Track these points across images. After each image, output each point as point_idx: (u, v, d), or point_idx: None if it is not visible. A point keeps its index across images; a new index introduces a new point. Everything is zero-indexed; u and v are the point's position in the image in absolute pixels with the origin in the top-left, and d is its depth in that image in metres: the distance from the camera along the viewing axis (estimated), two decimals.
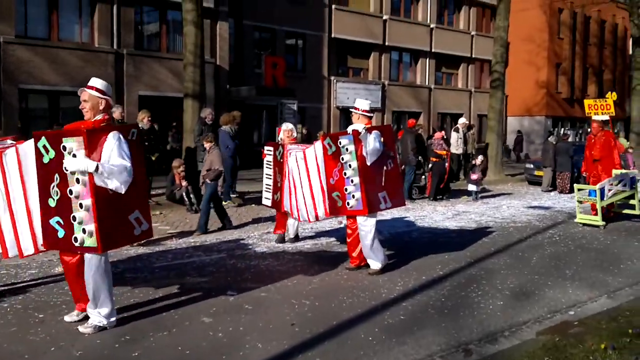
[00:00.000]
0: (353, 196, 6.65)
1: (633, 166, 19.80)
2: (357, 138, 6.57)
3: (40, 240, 4.85)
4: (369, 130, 6.67)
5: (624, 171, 11.14)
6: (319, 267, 7.21)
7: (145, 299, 5.72)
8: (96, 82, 4.94)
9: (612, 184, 10.69)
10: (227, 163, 12.18)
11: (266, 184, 8.32)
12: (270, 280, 6.54)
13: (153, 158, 11.50)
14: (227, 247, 8.32)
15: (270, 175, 8.13)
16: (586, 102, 15.05)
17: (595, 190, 10.44)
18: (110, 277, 4.75)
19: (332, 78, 26.59)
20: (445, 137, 16.21)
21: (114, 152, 4.45)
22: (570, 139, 31.35)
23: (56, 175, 4.51)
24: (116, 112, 10.96)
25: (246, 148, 23.17)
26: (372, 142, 6.57)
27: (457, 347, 4.80)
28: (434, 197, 14.50)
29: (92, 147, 4.41)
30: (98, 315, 4.68)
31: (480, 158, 15.23)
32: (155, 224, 9.95)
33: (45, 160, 4.60)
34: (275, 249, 8.27)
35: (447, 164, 14.88)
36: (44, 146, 4.60)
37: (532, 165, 18.88)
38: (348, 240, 7.16)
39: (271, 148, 8.16)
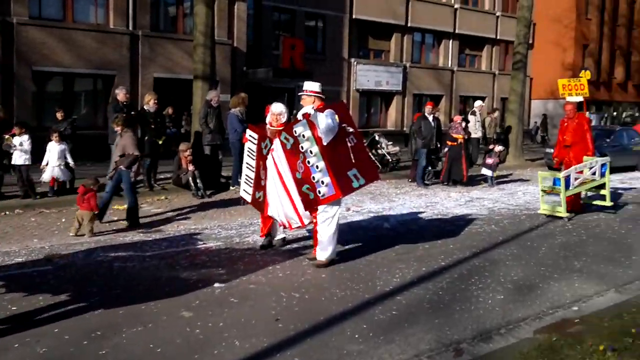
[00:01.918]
0: (322, 182, 6.20)
1: None
2: (310, 121, 6.19)
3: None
4: (320, 110, 6.24)
5: (594, 158, 10.30)
6: None
7: (127, 291, 5.56)
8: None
9: (579, 172, 9.92)
10: (236, 147, 12.00)
11: (246, 176, 7.25)
12: (263, 271, 6.33)
13: (160, 142, 11.37)
14: (226, 235, 8.13)
15: (252, 166, 7.09)
16: (560, 82, 14.18)
17: (560, 179, 9.66)
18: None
19: (353, 60, 26.13)
20: (466, 120, 15.81)
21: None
22: (594, 123, 30.65)
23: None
24: (120, 94, 10.84)
25: None
26: (323, 120, 6.10)
27: (448, 345, 4.55)
28: (449, 182, 14.15)
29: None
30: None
31: (499, 147, 14.81)
32: (159, 209, 9.90)
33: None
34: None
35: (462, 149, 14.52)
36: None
37: (551, 150, 18.26)
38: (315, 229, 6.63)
39: (255, 136, 7.02)
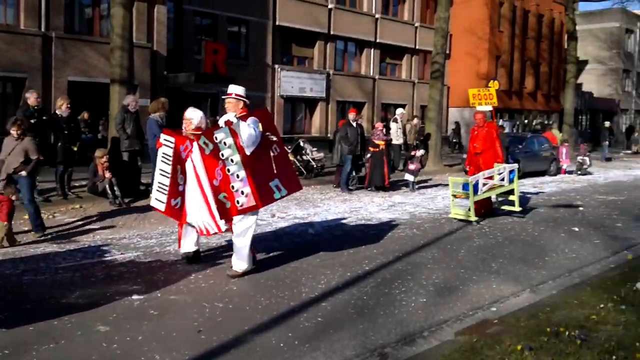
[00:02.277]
0: (242, 192, 6.08)
1: (567, 158, 20.32)
2: (232, 129, 6.06)
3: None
4: (242, 118, 6.11)
5: (503, 165, 10.54)
6: None
7: (38, 305, 5.24)
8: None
9: (488, 178, 10.13)
10: (155, 153, 11.63)
11: (160, 183, 6.61)
12: (184, 281, 6.15)
13: (74, 148, 10.87)
14: (146, 244, 7.85)
15: (167, 172, 6.50)
16: (470, 91, 14.61)
17: (468, 184, 9.87)
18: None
19: (277, 66, 26.11)
20: (387, 127, 16.11)
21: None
22: (506, 131, 32.00)
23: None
24: (31, 98, 10.29)
25: None
26: (245, 130, 5.98)
27: (372, 350, 4.57)
28: (374, 187, 14.34)
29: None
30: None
31: (421, 152, 15.18)
32: (73, 218, 9.44)
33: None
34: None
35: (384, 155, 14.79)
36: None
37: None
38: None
39: (172, 139, 6.51)
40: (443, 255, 7.65)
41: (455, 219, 10.17)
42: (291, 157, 16.84)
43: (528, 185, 16.55)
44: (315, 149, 17.90)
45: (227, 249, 7.58)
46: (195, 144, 6.34)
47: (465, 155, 19.47)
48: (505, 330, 4.74)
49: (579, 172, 20.01)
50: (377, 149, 14.57)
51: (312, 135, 26.80)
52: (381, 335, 4.85)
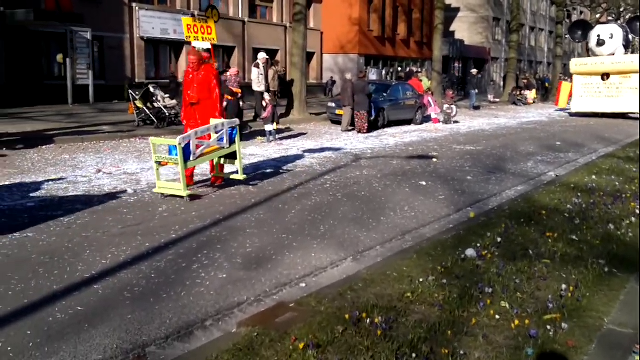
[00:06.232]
0: None
1: (435, 106, 20.19)
2: None
3: None
4: None
5: (222, 120, 8.10)
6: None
7: None
8: None
9: (201, 138, 7.73)
10: None
11: None
12: None
13: None
14: None
15: None
16: (184, 20, 12.18)
17: (176, 146, 7.22)
18: None
19: (135, 5, 23.87)
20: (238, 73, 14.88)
21: None
22: (375, 77, 31.80)
23: None
24: None
25: (32, 81, 20.13)
26: None
27: (129, 351, 3.58)
28: None
29: None
30: None
31: (267, 96, 14.12)
32: None
33: None
34: None
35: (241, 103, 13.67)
36: None
37: (333, 105, 18.27)
38: None
39: None
40: (270, 217, 6.76)
41: (160, 193, 7.51)
42: (140, 105, 15.26)
43: (388, 134, 16.17)
44: (167, 95, 16.40)
45: None
46: None
47: (331, 104, 18.85)
48: (299, 319, 3.89)
49: (444, 121, 19.95)
50: (234, 98, 13.40)
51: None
52: (151, 329, 3.87)
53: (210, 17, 12.89)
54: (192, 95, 8.20)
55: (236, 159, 8.31)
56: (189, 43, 13.36)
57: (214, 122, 8.01)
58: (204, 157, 7.77)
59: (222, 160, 8.46)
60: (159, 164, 7.48)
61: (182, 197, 7.34)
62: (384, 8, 36.47)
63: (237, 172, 8.42)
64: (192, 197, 7.47)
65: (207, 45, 12.02)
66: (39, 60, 21.19)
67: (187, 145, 7.29)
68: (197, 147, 7.52)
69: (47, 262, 4.99)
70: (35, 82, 20.53)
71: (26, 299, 4.25)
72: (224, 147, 8.04)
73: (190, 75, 8.26)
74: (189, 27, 11.97)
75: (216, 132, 7.91)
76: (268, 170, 9.84)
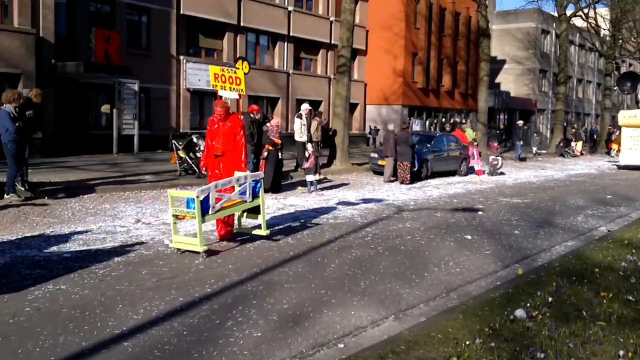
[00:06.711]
0: None
1: (479, 159, 19.79)
2: None
3: None
4: None
5: (245, 173, 7.78)
6: None
7: None
8: None
9: (222, 191, 7.38)
10: (9, 149, 10.15)
11: None
12: None
13: None
14: None
15: None
16: (211, 69, 11.89)
17: (194, 199, 6.84)
18: None
19: (182, 58, 24.53)
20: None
21: None
22: (418, 128, 31.65)
23: None
24: None
25: (79, 131, 20.71)
26: None
27: None
28: (270, 189, 13.11)
29: None
30: None
31: (309, 146, 14.05)
32: None
33: None
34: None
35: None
36: None
37: (376, 155, 18.11)
38: None
39: None
40: (308, 271, 6.52)
41: (176, 248, 7.15)
42: (182, 154, 15.42)
43: (432, 186, 15.85)
44: None
45: None
46: None
47: (373, 154, 18.69)
48: None
49: (489, 172, 19.51)
50: (274, 148, 13.39)
51: None
52: None
53: (240, 69, 12.88)
54: (217, 147, 7.96)
55: (259, 213, 7.98)
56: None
57: (237, 174, 7.77)
58: (224, 210, 7.41)
59: (238, 214, 8.10)
60: (177, 217, 7.14)
61: (198, 253, 6.91)
62: (428, 60, 36.64)
63: (259, 227, 8.06)
64: (210, 253, 7.09)
65: (235, 95, 12.01)
66: (86, 110, 21.84)
67: (207, 199, 6.96)
68: (217, 200, 7.20)
69: (77, 317, 4.85)
70: (82, 132, 21.09)
71: (53, 356, 4.10)
72: (246, 201, 7.71)
73: (216, 125, 8.03)
74: (216, 76, 11.94)
75: (239, 185, 7.62)
76: (308, 222, 9.63)
